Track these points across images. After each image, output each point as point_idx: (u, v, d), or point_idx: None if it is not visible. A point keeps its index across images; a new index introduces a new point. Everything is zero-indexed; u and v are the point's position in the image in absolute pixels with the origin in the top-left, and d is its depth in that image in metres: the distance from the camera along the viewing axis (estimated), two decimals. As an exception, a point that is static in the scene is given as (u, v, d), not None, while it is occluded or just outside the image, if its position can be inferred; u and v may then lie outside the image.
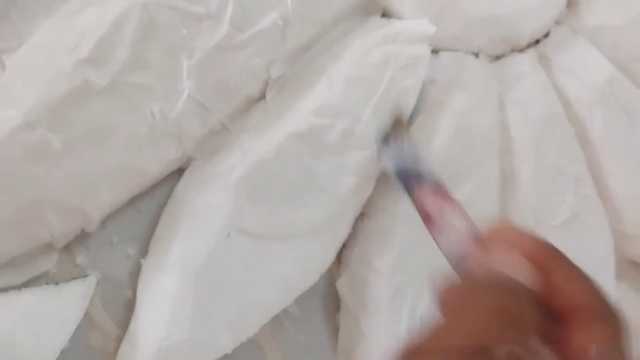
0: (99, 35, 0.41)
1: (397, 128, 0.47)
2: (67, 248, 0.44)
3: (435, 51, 0.54)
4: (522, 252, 0.29)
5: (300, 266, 0.47)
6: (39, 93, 0.39)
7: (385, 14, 0.54)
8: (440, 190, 0.41)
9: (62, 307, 0.42)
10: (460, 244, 0.36)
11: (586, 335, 0.25)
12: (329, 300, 0.52)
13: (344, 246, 0.51)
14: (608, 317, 0.26)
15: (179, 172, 0.47)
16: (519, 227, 0.32)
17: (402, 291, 0.50)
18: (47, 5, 0.43)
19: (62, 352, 0.42)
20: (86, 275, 0.44)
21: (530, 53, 0.59)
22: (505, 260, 0.30)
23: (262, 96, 0.48)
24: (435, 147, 0.52)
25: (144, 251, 0.46)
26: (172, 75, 0.43)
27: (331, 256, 0.49)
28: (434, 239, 0.39)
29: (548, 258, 0.28)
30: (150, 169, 0.43)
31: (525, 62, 0.58)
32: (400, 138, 0.47)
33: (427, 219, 0.40)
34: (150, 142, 0.42)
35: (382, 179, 0.51)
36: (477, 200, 0.53)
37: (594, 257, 0.58)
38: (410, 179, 0.43)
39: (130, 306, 0.45)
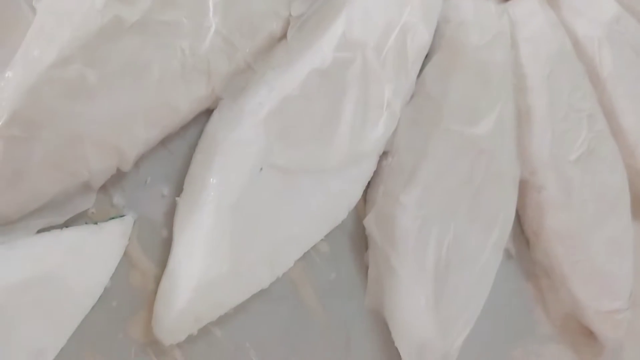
0: (128, -28, 0.41)
1: None
2: (104, 188, 0.44)
3: (447, -8, 0.55)
4: None
5: (330, 200, 0.48)
6: (72, 30, 0.40)
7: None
8: None
9: (103, 245, 0.42)
10: None
11: None
12: (357, 238, 0.53)
13: (369, 185, 0.52)
14: None
15: (207, 113, 0.48)
16: None
17: (428, 225, 0.51)
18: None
19: (105, 290, 0.43)
20: (123, 215, 0.45)
21: (539, -7, 0.60)
22: None
23: (284, 35, 0.49)
24: (453, 83, 0.53)
25: (177, 190, 0.46)
26: (199, 12, 0.44)
27: (358, 192, 0.50)
28: None
29: None
30: (182, 105, 0.44)
31: (534, 2, 0.59)
32: None
33: None
34: (182, 79, 0.43)
35: (403, 115, 0.52)
36: (495, 135, 0.54)
37: (611, 191, 0.60)
38: None
39: (167, 245, 0.46)
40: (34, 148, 0.39)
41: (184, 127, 0.47)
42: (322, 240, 0.50)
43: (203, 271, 0.44)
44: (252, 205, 0.45)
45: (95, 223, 0.44)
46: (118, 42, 0.41)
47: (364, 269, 0.53)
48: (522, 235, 0.62)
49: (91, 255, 0.42)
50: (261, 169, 0.45)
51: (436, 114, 0.52)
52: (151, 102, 0.43)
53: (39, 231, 0.42)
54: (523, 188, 0.59)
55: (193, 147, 0.47)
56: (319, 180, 0.47)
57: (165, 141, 0.46)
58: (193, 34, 0.43)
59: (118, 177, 0.45)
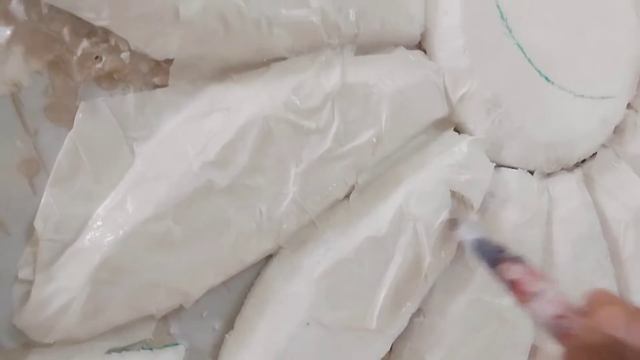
0: (225, 140, 0.46)
1: (463, 208, 0.53)
2: (164, 318, 0.49)
3: (497, 166, 0.60)
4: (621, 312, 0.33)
5: (365, 356, 0.52)
6: (169, 188, 0.45)
7: (457, 129, 0.60)
8: (525, 263, 0.45)
9: (158, 374, 0.47)
10: (557, 306, 0.39)
11: None
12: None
13: (397, 338, 0.56)
14: None
15: (267, 256, 0.52)
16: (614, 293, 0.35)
17: (447, 386, 0.55)
18: (176, 103, 0.48)
19: (150, 412, 0.47)
20: (176, 344, 0.49)
21: (577, 173, 0.66)
22: (609, 319, 0.34)
23: (346, 197, 0.54)
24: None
25: (228, 326, 0.51)
26: (281, 180, 0.48)
27: (388, 347, 0.55)
28: (524, 306, 0.42)
29: None
30: (249, 259, 0.49)
31: (572, 182, 0.64)
32: (468, 217, 0.53)
33: (514, 287, 0.43)
34: (255, 237, 0.48)
35: (440, 280, 0.56)
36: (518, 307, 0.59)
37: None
38: (490, 252, 0.47)
39: (210, 375, 0.50)
40: (117, 291, 0.44)
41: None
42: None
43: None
44: (296, 357, 0.49)
45: (151, 349, 0.48)
46: (206, 202, 0.45)
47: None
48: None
49: (146, 384, 0.46)
50: (308, 323, 0.49)
51: (470, 283, 0.57)
52: (224, 257, 0.47)
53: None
54: (533, 352, 0.63)
55: (249, 287, 0.52)
56: (358, 338, 0.52)
57: (225, 280, 0.51)
58: (272, 199, 0.48)
59: (178, 310, 0.49)
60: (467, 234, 0.52)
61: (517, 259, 0.45)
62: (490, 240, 0.49)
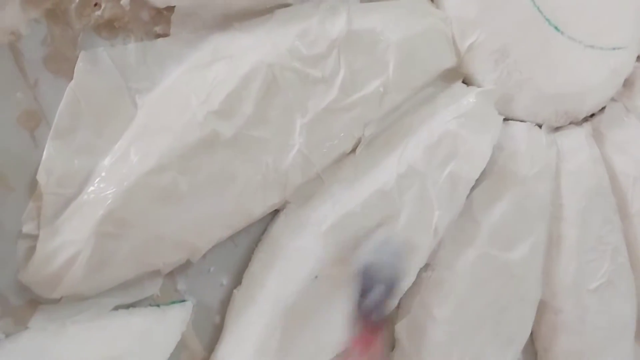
0: (229, 89, 0.45)
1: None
2: (170, 274, 0.48)
3: (505, 119, 0.59)
4: None
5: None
6: (173, 139, 0.44)
7: (465, 81, 0.59)
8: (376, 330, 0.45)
9: (165, 329, 0.46)
10: None
11: None
12: (385, 338, 0.57)
13: (405, 293, 0.56)
14: None
15: (273, 211, 0.51)
16: None
17: (455, 340, 0.55)
18: (179, 53, 0.47)
19: (158, 367, 0.47)
20: (184, 300, 0.48)
21: (586, 127, 0.64)
22: None
23: (353, 150, 0.53)
24: (495, 211, 0.57)
25: (236, 282, 0.50)
26: (287, 131, 0.47)
27: (397, 300, 0.54)
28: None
29: None
30: (256, 212, 0.48)
31: (581, 136, 0.63)
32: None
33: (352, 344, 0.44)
34: (261, 190, 0.47)
35: (448, 233, 0.56)
36: (527, 261, 0.58)
37: (621, 320, 0.64)
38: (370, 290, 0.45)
39: (217, 331, 0.50)
40: (122, 244, 0.43)
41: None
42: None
43: (251, 364, 0.48)
44: (303, 309, 0.49)
45: (158, 305, 0.48)
46: (211, 154, 0.45)
47: (388, 366, 0.57)
48: (532, 347, 0.66)
49: (155, 340, 0.46)
50: (316, 277, 0.49)
51: (477, 237, 0.56)
52: (231, 209, 0.46)
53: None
54: (541, 307, 0.63)
55: (256, 242, 0.51)
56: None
57: (232, 234, 0.50)
58: (278, 151, 0.47)
59: (185, 265, 0.48)
60: (366, 253, 0.47)
61: (375, 324, 0.44)
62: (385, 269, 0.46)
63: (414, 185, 0.52)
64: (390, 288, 0.46)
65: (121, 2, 0.45)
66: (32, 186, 0.44)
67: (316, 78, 0.48)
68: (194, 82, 0.45)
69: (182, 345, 0.49)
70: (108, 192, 0.42)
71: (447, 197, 0.53)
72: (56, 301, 0.44)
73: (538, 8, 0.57)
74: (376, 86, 0.50)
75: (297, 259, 0.49)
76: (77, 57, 0.45)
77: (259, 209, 0.48)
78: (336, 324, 0.50)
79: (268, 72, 0.46)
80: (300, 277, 0.49)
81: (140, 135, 0.44)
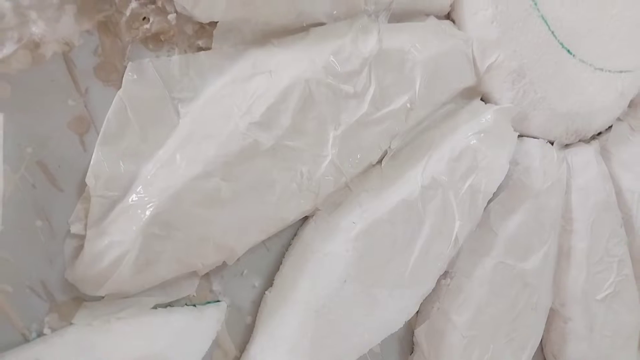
0: (269, 102, 0.48)
1: None
2: (206, 276, 0.50)
3: (520, 136, 0.62)
4: None
5: (396, 312, 0.54)
6: (217, 147, 0.46)
7: (483, 99, 0.62)
8: None
9: (203, 328, 0.48)
10: None
11: None
12: (405, 344, 0.59)
13: (425, 299, 0.58)
14: None
15: (303, 217, 0.54)
16: None
17: (473, 345, 0.58)
18: (220, 66, 0.50)
19: (193, 365, 0.49)
20: (218, 301, 0.51)
21: (594, 145, 0.68)
22: None
23: (379, 161, 0.55)
24: (511, 223, 0.60)
25: (267, 284, 0.53)
26: (320, 143, 0.50)
27: (417, 306, 0.57)
28: None
29: None
30: (290, 218, 0.50)
31: (590, 153, 0.66)
32: None
33: None
34: (296, 197, 0.49)
35: (466, 243, 0.58)
36: (540, 271, 0.61)
37: (626, 329, 0.67)
38: None
39: (249, 331, 0.52)
40: (167, 245, 0.45)
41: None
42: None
43: (285, 364, 0.50)
44: (334, 312, 0.51)
45: (194, 305, 0.50)
46: (252, 162, 0.47)
47: (408, 370, 0.59)
48: (541, 353, 0.69)
49: (193, 338, 0.47)
50: (345, 280, 0.51)
51: (494, 247, 0.59)
52: (268, 215, 0.49)
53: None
54: (551, 315, 0.66)
55: (287, 246, 0.54)
56: (391, 295, 0.54)
57: (265, 239, 0.52)
58: (312, 161, 0.49)
59: (221, 267, 0.51)
60: None
61: None
62: None
63: (437, 196, 0.55)
64: None
65: (168, 17, 0.48)
66: (80, 188, 0.46)
67: (349, 93, 0.50)
68: (236, 94, 0.48)
69: (215, 344, 0.51)
70: (155, 195, 0.45)
71: (468, 209, 0.56)
72: (99, 299, 0.46)
73: (553, 32, 0.60)
74: (404, 101, 0.53)
75: (327, 263, 0.51)
76: (125, 68, 0.47)
77: (293, 215, 0.50)
78: (365, 326, 0.53)
79: (305, 87, 0.48)
80: (330, 281, 0.51)
81: (186, 142, 0.46)
